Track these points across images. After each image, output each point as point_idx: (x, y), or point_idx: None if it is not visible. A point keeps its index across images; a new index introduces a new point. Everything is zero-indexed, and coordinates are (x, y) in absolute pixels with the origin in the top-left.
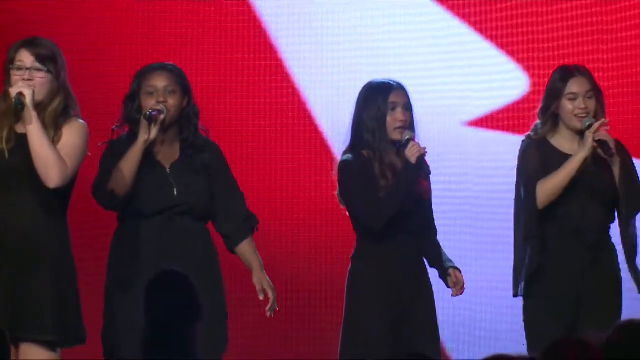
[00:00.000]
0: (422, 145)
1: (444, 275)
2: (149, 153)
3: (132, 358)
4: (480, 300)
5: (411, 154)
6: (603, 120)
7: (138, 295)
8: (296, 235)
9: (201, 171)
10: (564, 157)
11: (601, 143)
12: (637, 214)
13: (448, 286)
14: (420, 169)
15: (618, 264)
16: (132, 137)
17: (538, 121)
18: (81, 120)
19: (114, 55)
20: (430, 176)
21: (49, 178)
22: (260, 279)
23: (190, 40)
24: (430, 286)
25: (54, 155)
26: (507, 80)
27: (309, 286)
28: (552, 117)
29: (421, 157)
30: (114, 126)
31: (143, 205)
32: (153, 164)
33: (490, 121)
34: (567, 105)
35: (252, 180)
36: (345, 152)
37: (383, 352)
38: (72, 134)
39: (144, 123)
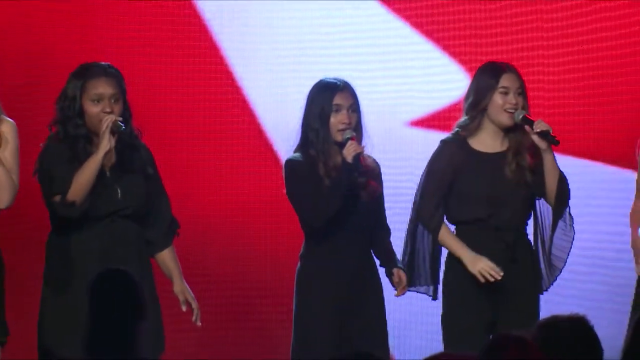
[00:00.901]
0: (362, 145)
1: (389, 275)
2: (88, 159)
3: (72, 357)
4: (422, 298)
5: (347, 152)
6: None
7: (80, 295)
8: (241, 234)
9: (138, 171)
10: (482, 157)
11: (543, 134)
12: (565, 211)
13: (393, 286)
14: (357, 168)
15: (536, 262)
16: (69, 139)
17: (463, 118)
18: (8, 118)
19: (55, 55)
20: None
21: (1, 201)
22: (183, 290)
23: (131, 40)
24: (380, 284)
25: (7, 179)
26: (449, 81)
27: (256, 285)
28: (481, 112)
29: (357, 156)
30: (50, 124)
31: (87, 210)
32: None
33: (433, 121)
34: (497, 100)
35: (193, 179)
36: (295, 150)
37: (332, 351)
38: (10, 135)
39: (107, 134)
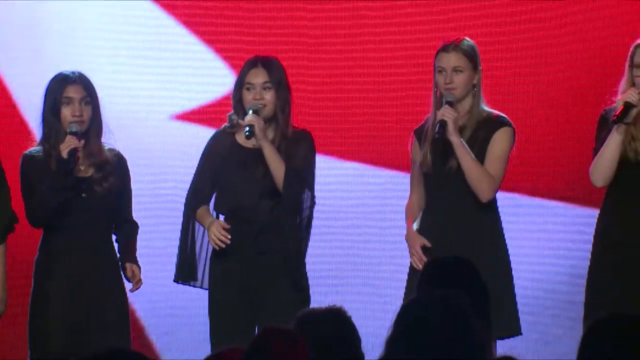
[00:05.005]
0: (80, 141)
1: (123, 269)
2: None
3: None
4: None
5: (62, 147)
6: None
7: None
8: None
9: None
10: (243, 151)
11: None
12: (290, 205)
13: (128, 280)
14: (71, 164)
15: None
16: None
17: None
18: None
19: None
20: (138, 169)
21: None
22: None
23: None
24: (121, 282)
25: None
26: (214, 76)
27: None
28: (240, 107)
29: (72, 152)
30: None
31: None
32: None
33: (197, 115)
34: (246, 96)
35: None
36: (38, 144)
37: (65, 350)
38: None
39: None
